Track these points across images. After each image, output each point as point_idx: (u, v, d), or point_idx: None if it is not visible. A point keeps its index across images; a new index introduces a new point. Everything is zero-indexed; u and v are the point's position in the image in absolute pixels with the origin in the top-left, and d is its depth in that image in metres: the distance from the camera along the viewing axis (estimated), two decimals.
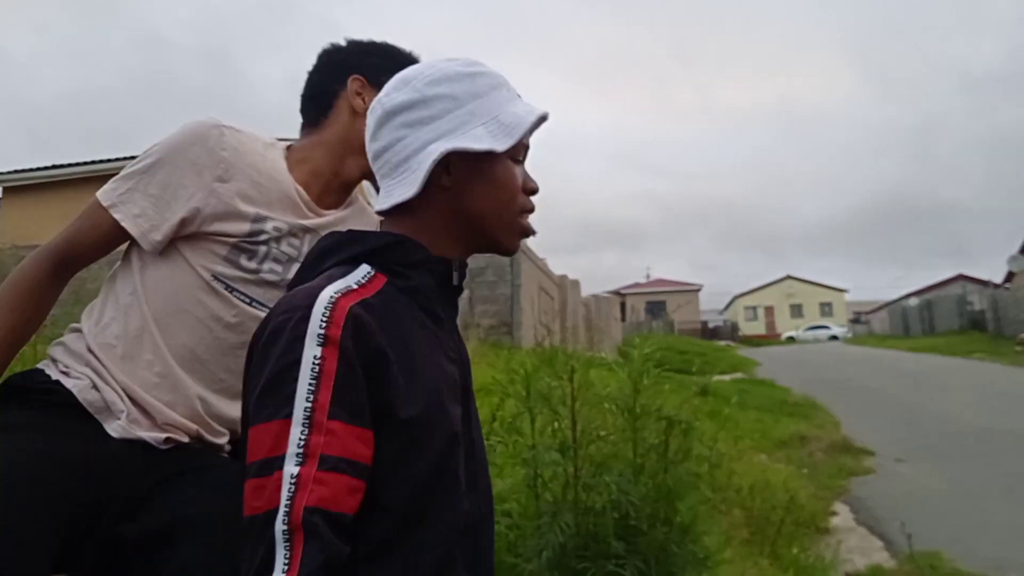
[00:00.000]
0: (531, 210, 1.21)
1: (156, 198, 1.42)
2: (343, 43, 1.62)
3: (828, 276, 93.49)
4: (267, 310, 1.29)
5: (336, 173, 1.57)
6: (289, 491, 0.90)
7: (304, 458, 0.92)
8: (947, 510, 5.90)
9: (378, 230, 1.16)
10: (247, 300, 1.46)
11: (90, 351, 1.40)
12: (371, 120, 1.16)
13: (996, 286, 36.75)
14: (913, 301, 42.37)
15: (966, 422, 10.13)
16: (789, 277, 65.09)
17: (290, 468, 0.92)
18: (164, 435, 1.37)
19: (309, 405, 0.94)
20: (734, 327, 55.32)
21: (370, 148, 1.16)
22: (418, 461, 1.01)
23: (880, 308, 53.81)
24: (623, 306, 41.74)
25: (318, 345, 0.96)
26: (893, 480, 7.12)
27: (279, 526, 0.89)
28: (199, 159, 1.42)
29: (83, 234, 1.45)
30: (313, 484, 0.91)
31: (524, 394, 3.20)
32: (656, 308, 54.55)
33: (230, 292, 1.44)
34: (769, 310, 63.82)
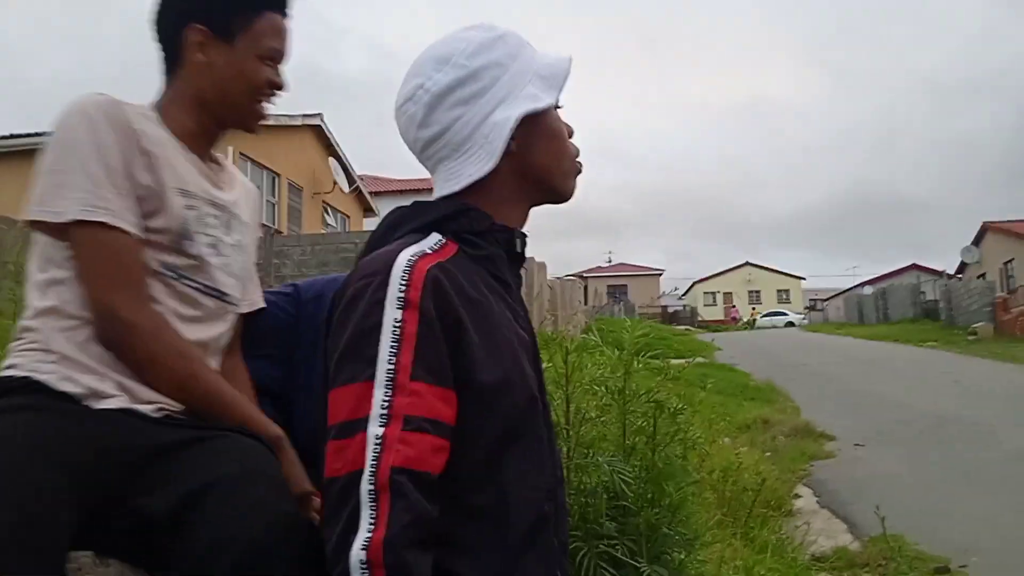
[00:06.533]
0: (578, 151, 1.24)
1: (119, 188, 1.29)
2: None
3: (786, 265, 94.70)
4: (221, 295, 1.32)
5: (196, 133, 1.45)
6: (375, 451, 0.91)
7: (388, 419, 0.93)
8: (907, 495, 6.05)
9: (439, 201, 1.16)
10: (199, 287, 1.39)
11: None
12: (415, 108, 1.14)
13: (949, 276, 37.63)
14: (868, 290, 43.20)
15: (920, 410, 10.37)
16: (748, 264, 65.85)
17: (374, 429, 0.92)
18: (155, 405, 1.27)
19: (391, 367, 0.95)
20: (693, 312, 55.89)
21: (419, 136, 1.15)
22: (500, 422, 1.02)
23: (836, 296, 54.75)
24: (585, 289, 41.86)
25: (398, 308, 0.97)
26: (854, 465, 7.28)
27: (364, 486, 0.90)
28: (121, 139, 1.31)
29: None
30: (399, 444, 0.92)
31: None
32: (618, 292, 54.87)
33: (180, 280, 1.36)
34: (728, 296, 64.53)
